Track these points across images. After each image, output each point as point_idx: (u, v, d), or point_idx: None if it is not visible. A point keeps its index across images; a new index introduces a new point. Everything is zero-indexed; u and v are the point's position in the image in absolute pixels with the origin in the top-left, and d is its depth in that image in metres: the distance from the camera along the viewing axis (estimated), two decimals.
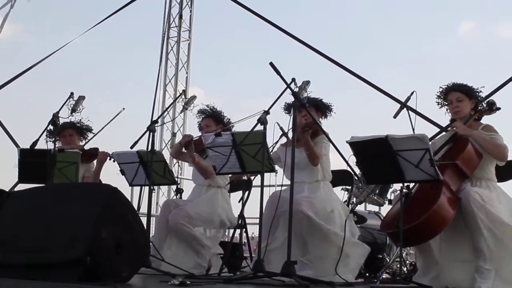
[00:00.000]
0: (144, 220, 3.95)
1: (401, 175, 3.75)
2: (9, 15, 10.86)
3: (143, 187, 4.99)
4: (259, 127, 3.93)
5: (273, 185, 4.52)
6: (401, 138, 3.67)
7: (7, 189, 4.21)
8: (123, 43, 18.48)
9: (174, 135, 11.21)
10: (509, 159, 4.01)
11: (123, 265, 3.16)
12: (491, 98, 4.44)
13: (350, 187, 5.44)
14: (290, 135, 4.18)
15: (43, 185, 4.51)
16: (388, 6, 19.27)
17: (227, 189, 5.14)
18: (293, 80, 3.92)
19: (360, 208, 5.72)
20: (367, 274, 5.04)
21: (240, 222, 4.86)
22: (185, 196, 5.50)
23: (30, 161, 4.88)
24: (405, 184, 3.89)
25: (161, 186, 10.11)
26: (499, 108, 4.16)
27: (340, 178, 5.22)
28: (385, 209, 5.40)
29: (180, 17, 11.53)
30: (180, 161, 9.61)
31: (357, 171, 5.11)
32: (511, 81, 6.98)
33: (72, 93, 4.93)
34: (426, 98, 4.27)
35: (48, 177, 4.68)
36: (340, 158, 4.90)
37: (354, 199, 5.46)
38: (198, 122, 5.24)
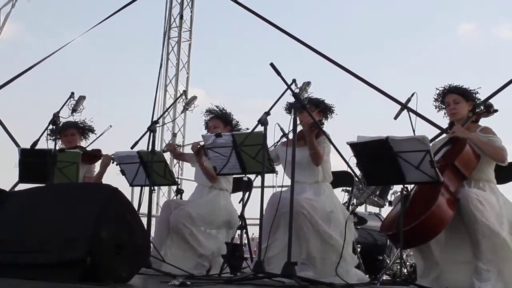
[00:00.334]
0: (144, 220, 3.95)
1: (402, 176, 3.74)
2: (10, 15, 10.88)
3: (143, 187, 5.00)
4: (260, 128, 3.93)
5: (273, 186, 4.53)
6: (401, 140, 3.67)
7: (7, 189, 4.20)
8: (124, 43, 18.52)
9: (174, 135, 11.22)
10: (510, 161, 4.01)
11: (123, 266, 3.16)
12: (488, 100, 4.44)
13: (350, 189, 5.43)
14: (290, 136, 4.18)
15: (44, 185, 4.51)
16: (388, 6, 19.31)
17: (229, 192, 5.15)
18: (294, 81, 3.92)
19: (360, 209, 5.72)
20: (367, 276, 5.03)
21: (240, 223, 4.86)
22: (185, 196, 5.52)
23: (31, 161, 4.88)
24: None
25: (161, 187, 10.12)
26: (496, 110, 4.15)
27: (340, 179, 5.22)
28: (386, 211, 5.41)
29: (181, 17, 11.53)
30: (180, 161, 9.63)
31: (358, 172, 5.11)
32: (511, 84, 6.99)
33: (72, 93, 4.93)
34: (426, 99, 4.27)
35: (48, 177, 4.68)
36: (340, 159, 4.91)
37: (355, 201, 5.45)
38: (205, 120, 5.19)
